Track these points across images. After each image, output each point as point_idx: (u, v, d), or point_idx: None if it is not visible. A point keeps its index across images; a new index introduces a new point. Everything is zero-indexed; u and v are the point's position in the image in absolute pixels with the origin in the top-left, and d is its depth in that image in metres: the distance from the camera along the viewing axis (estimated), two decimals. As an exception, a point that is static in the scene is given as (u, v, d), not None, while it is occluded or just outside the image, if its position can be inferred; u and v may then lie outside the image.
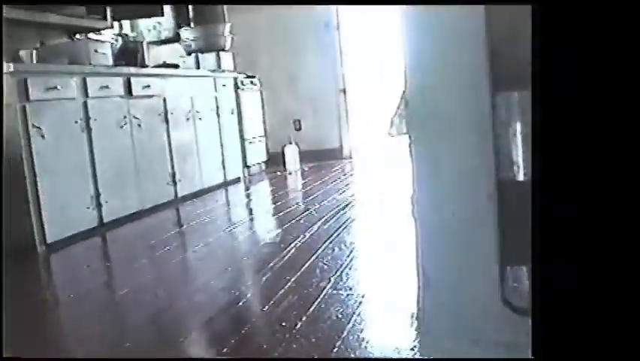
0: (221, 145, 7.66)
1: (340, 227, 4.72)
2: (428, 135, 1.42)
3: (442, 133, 1.39)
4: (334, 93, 9.56)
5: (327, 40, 9.48)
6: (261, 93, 9.21)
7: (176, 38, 8.56)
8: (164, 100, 6.51)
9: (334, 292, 3.23)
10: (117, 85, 5.77)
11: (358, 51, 9.91)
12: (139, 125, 6.00)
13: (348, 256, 3.94)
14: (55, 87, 4.95)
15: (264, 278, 3.63)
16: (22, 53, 5.35)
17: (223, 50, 8.25)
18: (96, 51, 5.89)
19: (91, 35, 6.76)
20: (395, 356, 2.45)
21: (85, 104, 5.28)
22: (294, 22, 9.47)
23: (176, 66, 7.55)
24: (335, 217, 5.09)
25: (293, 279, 3.50)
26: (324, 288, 3.29)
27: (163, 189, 6.37)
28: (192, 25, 8.78)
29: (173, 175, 6.54)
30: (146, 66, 6.84)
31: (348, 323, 2.80)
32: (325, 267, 3.70)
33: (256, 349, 2.63)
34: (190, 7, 8.90)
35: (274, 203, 6.53)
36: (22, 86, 4.67)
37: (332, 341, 2.61)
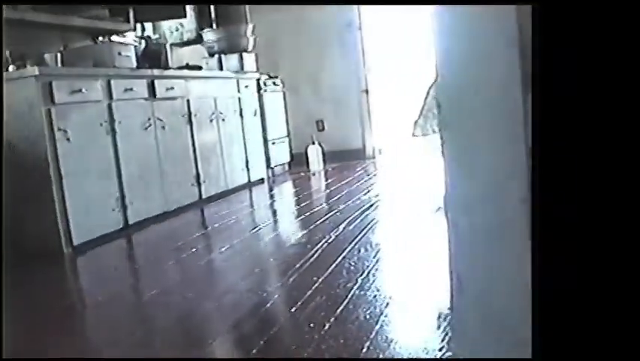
0: (245, 146, 7.68)
1: (365, 228, 4.71)
2: (459, 136, 1.41)
3: (474, 134, 1.38)
4: (357, 94, 9.54)
5: (349, 40, 9.46)
6: (284, 94, 9.21)
7: (198, 40, 8.56)
8: (188, 102, 6.53)
9: (361, 293, 3.23)
10: (141, 87, 5.80)
11: (381, 52, 9.88)
12: (163, 127, 6.02)
13: (374, 257, 3.93)
14: (80, 90, 4.98)
15: (291, 279, 3.63)
16: (46, 56, 5.37)
17: (245, 51, 8.26)
18: (120, 54, 5.91)
19: (114, 38, 6.79)
20: (424, 356, 2.45)
21: (109, 107, 5.31)
22: (316, 22, 9.47)
23: (199, 68, 7.56)
24: (360, 218, 5.08)
25: (320, 280, 3.49)
26: (352, 289, 3.29)
27: (187, 191, 6.39)
28: (215, 26, 8.79)
29: (198, 176, 6.55)
30: (170, 68, 6.86)
31: (376, 323, 2.80)
32: (352, 268, 3.69)
33: (285, 350, 2.63)
34: (212, 8, 8.91)
35: (299, 204, 6.52)
36: (47, 90, 4.70)
37: (361, 341, 2.61)
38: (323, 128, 9.65)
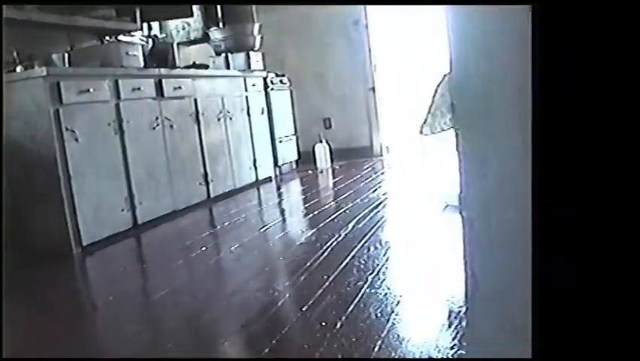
0: (252, 145, 7.67)
1: (375, 226, 4.71)
2: (475, 136, 1.41)
3: (489, 134, 1.37)
4: (364, 91, 9.54)
5: (356, 38, 9.46)
6: (291, 92, 9.20)
7: (205, 39, 8.56)
8: (195, 101, 6.53)
9: (372, 291, 3.23)
10: (149, 86, 5.80)
11: (388, 49, 9.87)
12: (171, 127, 6.02)
13: (384, 255, 3.93)
14: (88, 90, 4.99)
15: (302, 278, 3.62)
16: (54, 56, 5.37)
17: (252, 49, 8.24)
18: (127, 53, 5.91)
19: (121, 37, 6.79)
20: (436, 354, 2.44)
21: (117, 107, 5.31)
22: (322, 20, 9.47)
23: (206, 67, 7.56)
24: (369, 216, 5.08)
25: (330, 279, 3.49)
26: (362, 287, 3.29)
27: (195, 190, 6.39)
28: (221, 25, 8.79)
29: (206, 175, 6.56)
30: (177, 67, 6.86)
31: (388, 322, 2.79)
32: (362, 266, 3.69)
33: (298, 349, 2.63)
34: (219, 7, 8.91)
35: (307, 202, 6.52)
36: (55, 90, 4.71)
37: (373, 340, 2.60)
38: (330, 126, 9.65)
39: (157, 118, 5.84)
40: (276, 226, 5.45)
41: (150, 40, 7.18)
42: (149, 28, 7.66)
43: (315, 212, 5.62)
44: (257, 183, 7.64)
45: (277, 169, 8.47)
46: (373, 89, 9.54)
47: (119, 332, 3.24)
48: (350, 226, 4.78)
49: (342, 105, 9.62)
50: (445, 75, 3.89)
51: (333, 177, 7.99)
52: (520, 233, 1.34)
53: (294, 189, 7.69)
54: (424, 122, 4.37)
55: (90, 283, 4.48)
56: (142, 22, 7.03)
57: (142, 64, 6.10)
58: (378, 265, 3.69)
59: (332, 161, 8.97)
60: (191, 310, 3.38)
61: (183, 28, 8.53)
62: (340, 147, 9.37)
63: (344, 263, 3.77)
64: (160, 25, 8.06)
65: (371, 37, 9.50)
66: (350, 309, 2.98)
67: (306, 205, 6.34)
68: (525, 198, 1.28)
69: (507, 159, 1.34)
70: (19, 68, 4.94)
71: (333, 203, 6.10)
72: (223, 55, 8.08)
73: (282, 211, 6.28)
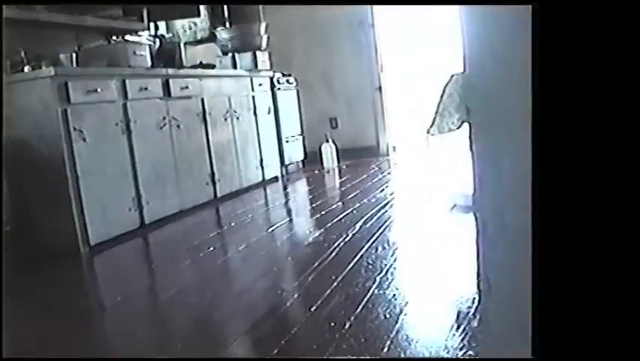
0: (259, 144, 7.67)
1: (382, 226, 4.70)
2: (489, 137, 1.40)
3: (502, 134, 1.37)
4: (370, 91, 9.53)
5: (362, 38, 9.45)
6: (298, 92, 9.20)
7: (211, 38, 8.56)
8: (202, 100, 6.53)
9: (380, 291, 3.22)
10: (156, 86, 5.80)
11: (394, 49, 9.86)
12: (178, 126, 6.02)
13: (392, 256, 3.93)
14: (96, 90, 4.99)
15: (310, 278, 3.62)
16: (61, 56, 5.38)
17: (259, 49, 8.24)
18: (134, 53, 5.91)
19: (128, 37, 6.80)
20: (445, 355, 2.44)
21: (125, 106, 5.31)
22: (329, 20, 9.46)
23: (212, 66, 7.56)
24: (376, 216, 5.07)
25: (339, 279, 3.49)
26: (370, 288, 3.28)
27: (202, 189, 6.39)
28: (228, 24, 8.79)
29: (212, 175, 6.56)
30: (184, 67, 6.86)
31: (396, 322, 2.79)
32: (370, 266, 3.68)
33: (307, 350, 2.63)
34: (226, 7, 8.91)
35: (314, 202, 6.51)
36: (62, 90, 4.71)
37: (382, 340, 2.60)
38: (336, 126, 9.64)
39: (164, 118, 5.84)
40: (284, 225, 5.45)
41: (157, 40, 7.18)
42: (156, 27, 7.67)
43: (322, 212, 5.61)
44: (263, 183, 7.64)
45: (284, 169, 8.47)
46: (380, 88, 9.52)
47: (127, 332, 3.24)
48: (357, 226, 4.77)
49: (349, 105, 9.61)
50: (452, 75, 3.88)
51: (340, 177, 7.98)
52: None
53: (300, 189, 7.69)
54: (432, 123, 4.37)
55: (98, 283, 4.48)
56: (149, 21, 7.04)
57: (149, 64, 6.10)
58: (386, 265, 3.69)
59: (338, 161, 8.96)
60: (199, 310, 3.38)
61: (190, 28, 8.53)
62: (347, 147, 9.36)
63: (352, 263, 3.77)
64: (167, 25, 8.08)
65: (377, 37, 9.49)
66: (359, 309, 2.97)
67: (313, 205, 6.33)
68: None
69: (522, 158, 1.33)
70: (26, 68, 4.95)
71: (340, 203, 6.09)
72: (230, 55, 8.06)
73: (289, 211, 6.28)
